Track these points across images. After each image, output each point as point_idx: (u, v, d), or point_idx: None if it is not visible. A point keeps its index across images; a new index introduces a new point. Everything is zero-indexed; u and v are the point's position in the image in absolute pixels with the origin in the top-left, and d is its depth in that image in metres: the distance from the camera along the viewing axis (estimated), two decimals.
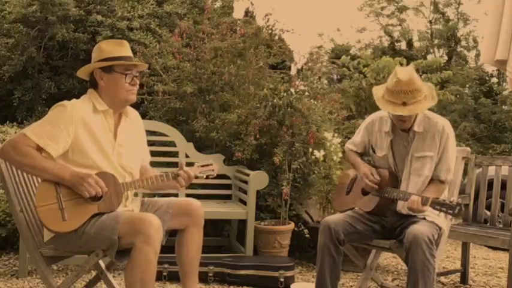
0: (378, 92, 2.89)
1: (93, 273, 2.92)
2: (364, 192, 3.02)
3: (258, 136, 4.26)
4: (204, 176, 2.64)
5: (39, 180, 2.45)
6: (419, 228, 2.67)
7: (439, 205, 2.61)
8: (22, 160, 2.36)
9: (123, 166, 2.53)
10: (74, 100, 2.51)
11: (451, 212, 2.57)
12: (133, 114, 2.68)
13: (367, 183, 2.93)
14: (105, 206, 2.41)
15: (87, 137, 2.43)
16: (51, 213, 2.36)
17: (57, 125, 2.38)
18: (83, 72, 2.58)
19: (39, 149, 2.37)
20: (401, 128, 2.89)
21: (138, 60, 4.75)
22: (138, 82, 2.59)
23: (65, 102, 2.47)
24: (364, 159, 3.18)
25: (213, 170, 2.65)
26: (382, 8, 18.47)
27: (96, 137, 2.46)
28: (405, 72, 2.75)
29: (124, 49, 2.57)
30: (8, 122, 5.65)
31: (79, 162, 2.41)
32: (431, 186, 2.87)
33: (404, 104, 2.73)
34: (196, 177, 2.63)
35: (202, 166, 2.64)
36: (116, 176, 2.45)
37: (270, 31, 5.13)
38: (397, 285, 3.90)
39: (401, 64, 5.83)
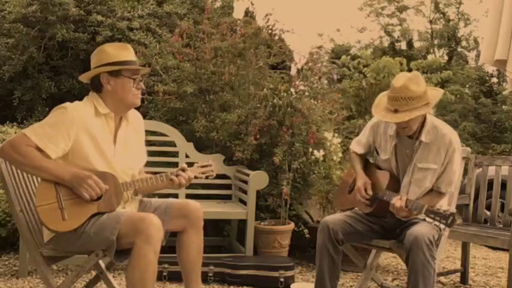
0: (380, 98, 2.85)
1: (93, 273, 2.92)
2: None
3: (258, 136, 4.26)
4: (204, 177, 2.67)
5: (39, 180, 2.44)
6: (419, 230, 2.66)
7: (432, 213, 2.58)
8: (22, 159, 2.36)
9: (123, 169, 2.53)
10: (76, 102, 2.50)
11: (444, 221, 2.53)
12: (134, 116, 2.67)
13: (359, 199, 2.91)
14: (105, 206, 2.42)
15: (88, 140, 2.43)
16: (50, 212, 2.36)
17: (58, 128, 2.38)
18: (86, 76, 2.56)
19: (39, 149, 2.36)
20: (402, 133, 2.84)
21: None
22: (142, 86, 2.60)
23: (67, 104, 2.46)
24: (368, 158, 3.17)
25: (212, 171, 2.67)
26: (383, 8, 18.43)
27: (97, 141, 2.45)
28: (402, 79, 2.70)
29: (129, 53, 2.57)
30: (8, 122, 5.65)
31: (79, 165, 2.41)
32: (428, 196, 2.84)
33: (396, 111, 2.69)
34: (196, 178, 2.65)
35: (202, 167, 2.66)
36: (115, 176, 2.46)
37: (270, 31, 5.12)
38: (397, 285, 3.90)
39: (401, 64, 5.82)
